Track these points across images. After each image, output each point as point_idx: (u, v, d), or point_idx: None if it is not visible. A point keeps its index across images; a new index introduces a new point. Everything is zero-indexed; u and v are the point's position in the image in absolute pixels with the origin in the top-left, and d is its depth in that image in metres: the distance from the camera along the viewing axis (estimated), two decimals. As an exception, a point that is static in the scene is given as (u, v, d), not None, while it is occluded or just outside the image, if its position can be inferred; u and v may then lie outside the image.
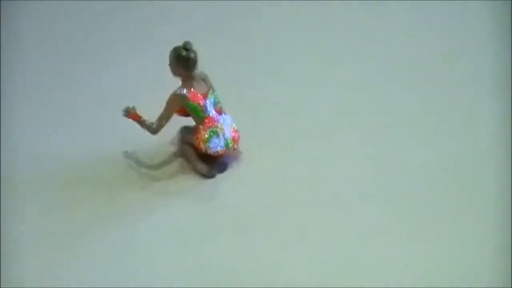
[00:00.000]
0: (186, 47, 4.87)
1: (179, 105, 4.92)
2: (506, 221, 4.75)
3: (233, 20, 6.80)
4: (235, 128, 5.07)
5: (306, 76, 6.14)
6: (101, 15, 6.89)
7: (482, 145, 5.38)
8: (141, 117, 4.99)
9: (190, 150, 5.04)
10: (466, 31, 6.52)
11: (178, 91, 4.91)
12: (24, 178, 5.25)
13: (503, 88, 5.84)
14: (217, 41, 6.50)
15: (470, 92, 5.88)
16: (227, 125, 4.99)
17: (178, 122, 5.15)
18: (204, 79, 5.01)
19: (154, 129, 4.94)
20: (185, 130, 5.10)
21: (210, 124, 4.96)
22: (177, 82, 5.02)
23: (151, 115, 5.06)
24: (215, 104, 5.01)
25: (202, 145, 4.95)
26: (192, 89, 4.90)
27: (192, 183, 5.11)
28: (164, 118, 4.92)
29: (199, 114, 4.95)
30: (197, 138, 4.96)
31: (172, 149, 5.29)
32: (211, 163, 5.07)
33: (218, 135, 4.95)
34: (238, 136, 5.08)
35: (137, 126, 5.10)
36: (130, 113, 4.97)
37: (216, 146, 4.95)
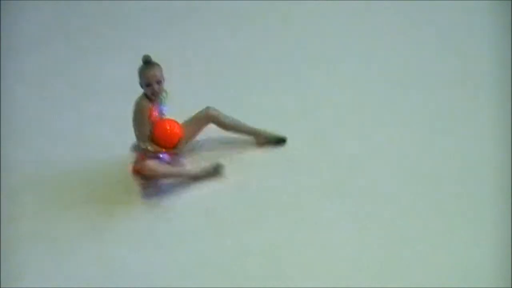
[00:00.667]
0: (145, 60, 4.84)
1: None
2: (506, 221, 4.74)
3: (235, 21, 6.79)
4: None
5: (309, 77, 6.14)
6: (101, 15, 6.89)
7: (482, 145, 5.37)
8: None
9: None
10: (466, 31, 6.51)
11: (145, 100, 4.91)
12: (23, 182, 5.25)
13: (503, 88, 5.83)
14: (216, 42, 6.52)
15: (470, 91, 5.87)
16: None
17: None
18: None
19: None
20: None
21: None
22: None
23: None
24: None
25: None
26: (155, 107, 4.93)
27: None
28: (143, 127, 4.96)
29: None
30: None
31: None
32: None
33: None
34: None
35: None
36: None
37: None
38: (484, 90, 5.86)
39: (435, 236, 4.73)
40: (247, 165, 5.24)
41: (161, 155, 4.91)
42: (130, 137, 5.20)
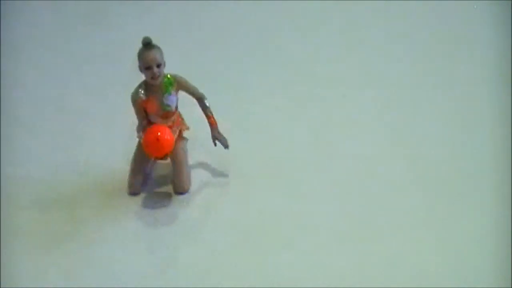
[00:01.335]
0: (145, 41, 4.63)
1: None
2: (506, 221, 4.74)
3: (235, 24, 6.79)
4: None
5: (306, 78, 6.14)
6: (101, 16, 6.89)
7: (482, 144, 5.37)
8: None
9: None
10: (466, 31, 6.51)
11: (138, 93, 4.72)
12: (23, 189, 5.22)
13: (503, 88, 5.83)
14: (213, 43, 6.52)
15: (471, 91, 5.87)
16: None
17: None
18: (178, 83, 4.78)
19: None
20: None
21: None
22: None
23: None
24: (163, 110, 4.82)
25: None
26: (153, 96, 4.73)
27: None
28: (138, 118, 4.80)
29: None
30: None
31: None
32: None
33: None
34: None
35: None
36: None
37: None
38: (484, 90, 5.87)
39: (435, 236, 4.73)
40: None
41: None
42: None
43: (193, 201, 5.03)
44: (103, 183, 5.14)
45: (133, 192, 4.99)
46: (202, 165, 5.26)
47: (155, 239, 4.84)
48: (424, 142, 5.44)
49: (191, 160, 5.14)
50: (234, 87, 5.98)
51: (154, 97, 4.73)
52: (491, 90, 5.85)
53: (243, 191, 5.11)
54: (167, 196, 5.03)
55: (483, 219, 4.81)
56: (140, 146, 4.84)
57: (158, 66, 4.57)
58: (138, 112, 4.73)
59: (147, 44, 4.60)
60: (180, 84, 4.76)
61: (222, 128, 5.05)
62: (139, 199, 5.04)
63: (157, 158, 4.87)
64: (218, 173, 5.22)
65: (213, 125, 4.92)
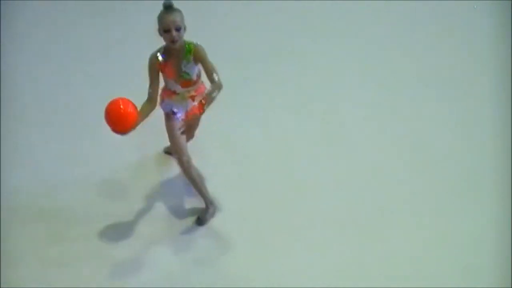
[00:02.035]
0: (166, 5, 4.41)
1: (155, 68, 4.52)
2: (506, 221, 4.75)
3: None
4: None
5: (308, 76, 6.16)
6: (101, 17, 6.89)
7: (482, 144, 5.38)
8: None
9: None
10: (467, 31, 6.52)
11: (157, 54, 4.51)
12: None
13: (504, 88, 5.84)
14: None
15: (471, 91, 5.88)
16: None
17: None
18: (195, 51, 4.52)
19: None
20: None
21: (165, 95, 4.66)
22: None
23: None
24: (181, 78, 4.61)
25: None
26: (171, 61, 4.52)
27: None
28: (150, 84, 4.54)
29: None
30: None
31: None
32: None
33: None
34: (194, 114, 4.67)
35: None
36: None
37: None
38: (486, 89, 5.88)
39: (436, 236, 4.74)
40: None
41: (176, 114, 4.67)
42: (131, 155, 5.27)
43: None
44: (105, 195, 5.13)
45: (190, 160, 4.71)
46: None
47: (160, 251, 4.78)
48: (426, 141, 5.44)
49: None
50: (238, 85, 6.01)
51: (172, 62, 4.54)
52: (491, 90, 5.86)
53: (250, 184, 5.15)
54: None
55: (483, 219, 4.82)
56: (169, 121, 4.67)
57: (178, 29, 4.38)
58: (151, 75, 4.50)
59: (168, 7, 4.40)
60: (197, 54, 4.52)
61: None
62: (141, 210, 5.00)
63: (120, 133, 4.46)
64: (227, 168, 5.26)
65: (198, 110, 4.56)
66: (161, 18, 4.41)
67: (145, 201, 5.05)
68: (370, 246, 4.70)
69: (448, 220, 4.83)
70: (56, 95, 6.01)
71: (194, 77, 4.63)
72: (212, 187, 4.95)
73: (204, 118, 4.76)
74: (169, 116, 4.68)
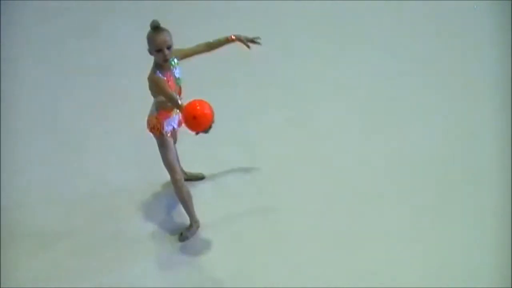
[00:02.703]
0: (154, 25, 4.56)
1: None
2: (506, 221, 4.75)
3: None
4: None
5: (305, 77, 6.17)
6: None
7: (483, 145, 5.38)
8: None
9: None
10: (467, 31, 6.54)
11: (156, 73, 4.61)
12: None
13: (503, 88, 5.84)
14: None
15: (471, 91, 5.89)
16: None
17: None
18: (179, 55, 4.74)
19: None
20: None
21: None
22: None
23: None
24: (178, 85, 4.72)
25: (152, 125, 4.75)
26: (168, 74, 4.65)
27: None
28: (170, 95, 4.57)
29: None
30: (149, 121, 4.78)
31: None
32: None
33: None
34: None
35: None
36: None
37: (168, 126, 4.76)
38: (486, 89, 5.89)
39: (435, 236, 4.74)
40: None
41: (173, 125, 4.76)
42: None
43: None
44: (106, 212, 5.11)
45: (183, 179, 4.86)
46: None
47: (165, 267, 4.77)
48: (427, 141, 5.45)
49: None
50: (238, 90, 6.03)
51: (168, 75, 4.65)
52: (491, 90, 5.86)
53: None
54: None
55: (483, 219, 4.82)
56: (166, 144, 4.76)
57: (169, 48, 4.54)
58: (165, 88, 4.55)
59: (156, 28, 4.53)
60: (181, 53, 4.73)
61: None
62: (143, 227, 4.99)
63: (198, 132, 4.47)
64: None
65: (232, 39, 4.78)
66: (151, 39, 4.52)
67: (137, 218, 5.06)
68: (370, 246, 4.71)
69: (448, 220, 4.83)
70: (56, 114, 6.01)
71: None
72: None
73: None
74: (164, 137, 4.74)
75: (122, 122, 5.75)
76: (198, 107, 4.33)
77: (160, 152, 4.76)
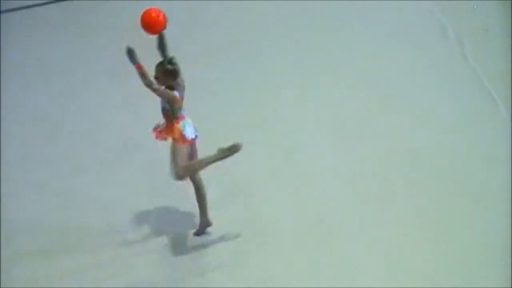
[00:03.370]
0: (172, 61, 4.92)
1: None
2: (506, 221, 4.78)
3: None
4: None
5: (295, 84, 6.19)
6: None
7: (483, 146, 5.41)
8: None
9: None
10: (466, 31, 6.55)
11: (175, 93, 4.93)
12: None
13: (503, 88, 5.86)
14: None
15: (470, 91, 5.90)
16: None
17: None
18: (182, 83, 5.06)
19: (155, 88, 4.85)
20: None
21: (181, 119, 4.97)
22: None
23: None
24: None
25: (177, 134, 4.95)
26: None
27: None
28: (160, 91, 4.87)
29: (176, 113, 4.97)
30: (172, 131, 4.96)
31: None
32: None
33: (190, 125, 4.98)
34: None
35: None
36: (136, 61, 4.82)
37: (191, 133, 4.97)
38: (484, 90, 5.90)
39: (436, 237, 4.77)
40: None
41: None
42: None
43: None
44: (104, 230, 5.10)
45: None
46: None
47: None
48: (427, 142, 5.47)
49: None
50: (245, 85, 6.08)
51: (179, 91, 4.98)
52: (491, 90, 5.88)
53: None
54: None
55: (483, 219, 4.85)
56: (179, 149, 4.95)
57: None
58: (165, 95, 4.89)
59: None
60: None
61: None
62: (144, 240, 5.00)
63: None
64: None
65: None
66: (167, 71, 4.88)
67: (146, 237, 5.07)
68: (370, 246, 4.75)
69: (448, 220, 4.86)
70: (57, 135, 5.97)
71: None
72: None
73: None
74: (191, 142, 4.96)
75: (122, 123, 5.78)
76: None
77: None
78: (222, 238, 4.90)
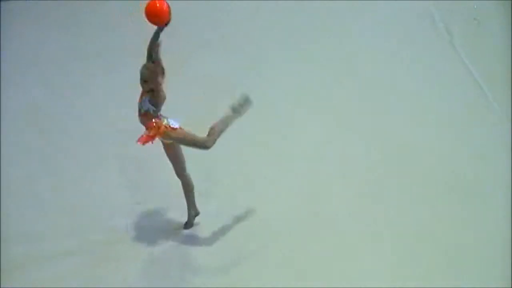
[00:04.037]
0: (155, 61, 4.85)
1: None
2: (506, 221, 4.77)
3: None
4: None
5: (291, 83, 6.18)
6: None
7: (483, 147, 5.40)
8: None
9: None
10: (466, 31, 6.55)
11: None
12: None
13: (503, 88, 5.86)
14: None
15: (470, 92, 5.90)
16: None
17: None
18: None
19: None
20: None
21: (160, 116, 4.91)
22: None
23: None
24: None
25: (163, 127, 4.92)
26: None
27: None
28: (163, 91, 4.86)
29: (158, 111, 4.87)
30: (157, 127, 4.88)
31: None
32: None
33: (171, 118, 4.91)
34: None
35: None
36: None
37: (176, 122, 4.91)
38: (484, 90, 5.90)
39: (436, 237, 4.76)
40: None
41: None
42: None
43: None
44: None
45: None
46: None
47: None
48: (428, 143, 5.46)
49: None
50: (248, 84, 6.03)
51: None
52: (491, 90, 5.87)
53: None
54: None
55: (483, 219, 4.84)
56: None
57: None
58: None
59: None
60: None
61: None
62: (142, 248, 4.95)
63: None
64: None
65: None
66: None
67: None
68: (370, 246, 4.73)
69: (448, 220, 4.85)
70: (58, 145, 5.88)
71: None
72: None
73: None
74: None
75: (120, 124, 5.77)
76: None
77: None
78: (214, 234, 4.87)
